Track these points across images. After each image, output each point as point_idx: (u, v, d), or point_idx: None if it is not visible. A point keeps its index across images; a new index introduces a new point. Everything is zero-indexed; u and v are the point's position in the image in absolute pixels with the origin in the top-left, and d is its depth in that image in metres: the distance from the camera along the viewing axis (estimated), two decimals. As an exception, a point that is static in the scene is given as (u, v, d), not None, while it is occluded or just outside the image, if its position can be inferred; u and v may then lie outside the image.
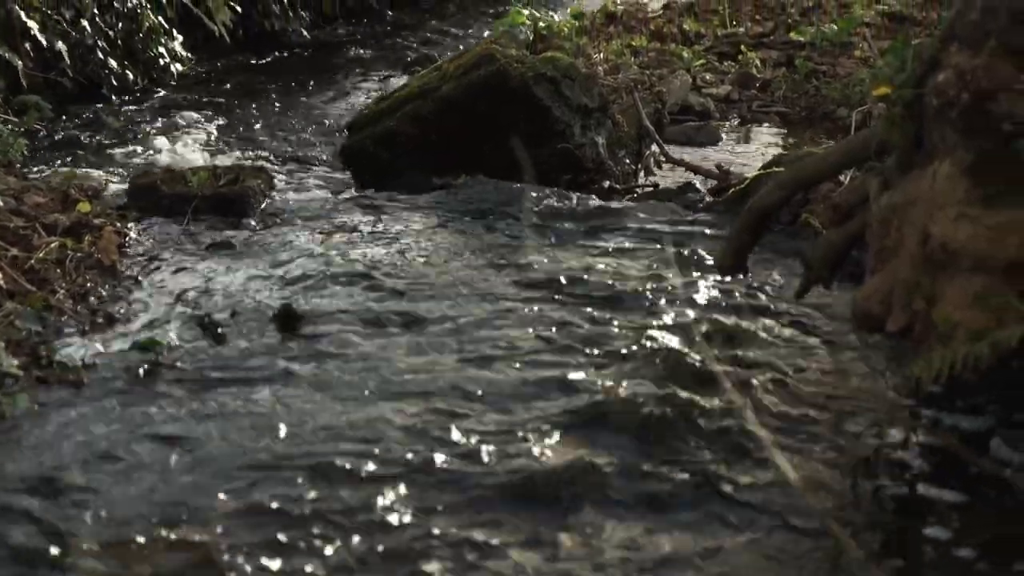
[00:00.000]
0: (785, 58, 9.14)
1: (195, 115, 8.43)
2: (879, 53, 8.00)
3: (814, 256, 4.25)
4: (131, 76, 9.03)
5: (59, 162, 7.20)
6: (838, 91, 8.13)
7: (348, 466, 3.45)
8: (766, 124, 8.13)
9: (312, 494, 3.31)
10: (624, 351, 4.19)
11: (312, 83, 9.57)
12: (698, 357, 4.10)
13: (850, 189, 4.32)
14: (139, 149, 7.58)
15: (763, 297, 4.75)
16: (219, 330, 4.46)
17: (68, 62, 8.47)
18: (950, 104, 3.39)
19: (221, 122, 8.28)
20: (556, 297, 4.75)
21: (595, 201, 6.07)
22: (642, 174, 6.96)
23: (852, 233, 4.14)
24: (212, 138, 7.88)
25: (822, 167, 4.51)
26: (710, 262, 5.04)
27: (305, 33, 11.18)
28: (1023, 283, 3.25)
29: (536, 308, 4.64)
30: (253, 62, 10.32)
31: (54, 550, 3.08)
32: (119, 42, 8.98)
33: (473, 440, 3.59)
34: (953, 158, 3.44)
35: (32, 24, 8.13)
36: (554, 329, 4.42)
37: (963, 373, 3.18)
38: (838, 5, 10.62)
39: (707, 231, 5.61)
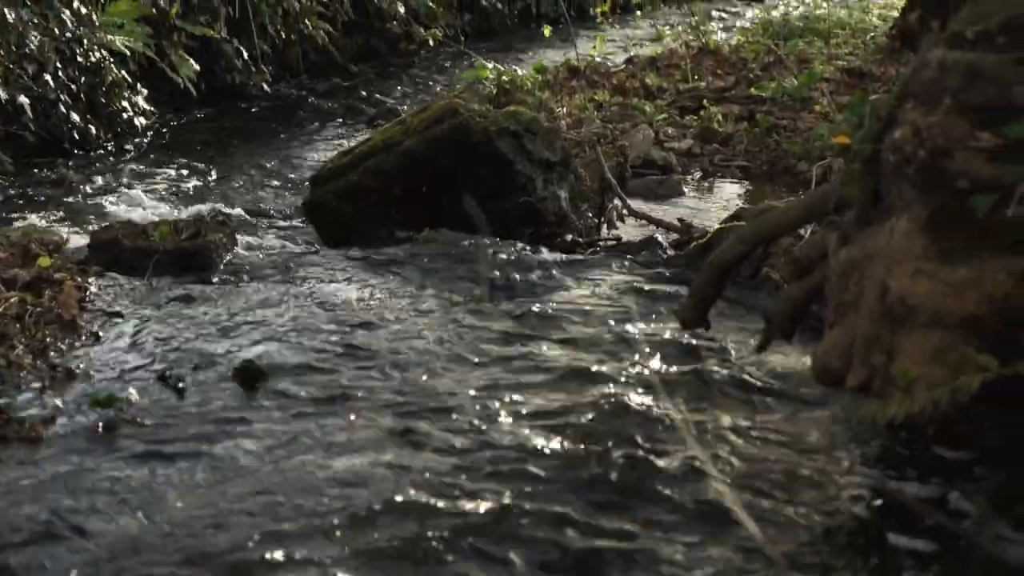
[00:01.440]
0: (746, 113, 9.20)
1: (158, 169, 8.43)
2: (837, 109, 8.07)
3: (775, 310, 4.27)
4: (94, 130, 9.02)
5: (20, 216, 7.17)
6: (799, 145, 8.20)
7: (307, 523, 3.43)
8: (728, 178, 8.18)
9: (272, 554, 3.29)
10: (585, 405, 4.19)
11: (275, 137, 9.58)
12: (659, 410, 4.11)
13: (810, 243, 4.36)
14: (101, 203, 7.56)
15: (725, 351, 4.77)
16: (179, 386, 4.44)
17: (30, 116, 8.46)
18: (907, 161, 3.42)
19: (184, 176, 8.27)
20: (517, 352, 4.75)
21: (557, 255, 6.09)
22: (605, 228, 6.98)
23: (812, 287, 4.17)
24: (174, 192, 7.87)
25: (782, 222, 4.54)
26: (672, 316, 5.05)
27: (267, 87, 11.20)
28: (980, 339, 3.28)
29: (497, 363, 4.64)
30: (216, 116, 10.33)
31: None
32: (82, 96, 8.97)
33: (427, 497, 3.58)
34: (911, 214, 3.47)
35: (-6, 78, 8.13)
36: (515, 383, 4.42)
37: (919, 422, 3.19)
38: (798, 61, 10.72)
39: (669, 285, 5.62)
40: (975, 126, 3.39)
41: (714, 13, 15.60)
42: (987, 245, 3.34)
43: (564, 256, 6.11)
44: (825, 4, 13.90)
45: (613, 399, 4.24)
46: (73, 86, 8.87)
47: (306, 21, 11.79)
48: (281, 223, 7.11)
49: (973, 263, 3.33)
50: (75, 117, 8.84)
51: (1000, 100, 3.39)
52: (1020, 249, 3.29)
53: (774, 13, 14.17)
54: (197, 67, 10.28)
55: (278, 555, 3.27)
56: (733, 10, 16.84)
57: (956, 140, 3.38)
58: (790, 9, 15.00)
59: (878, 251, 3.57)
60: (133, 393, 4.35)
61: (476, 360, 4.67)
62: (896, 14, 11.75)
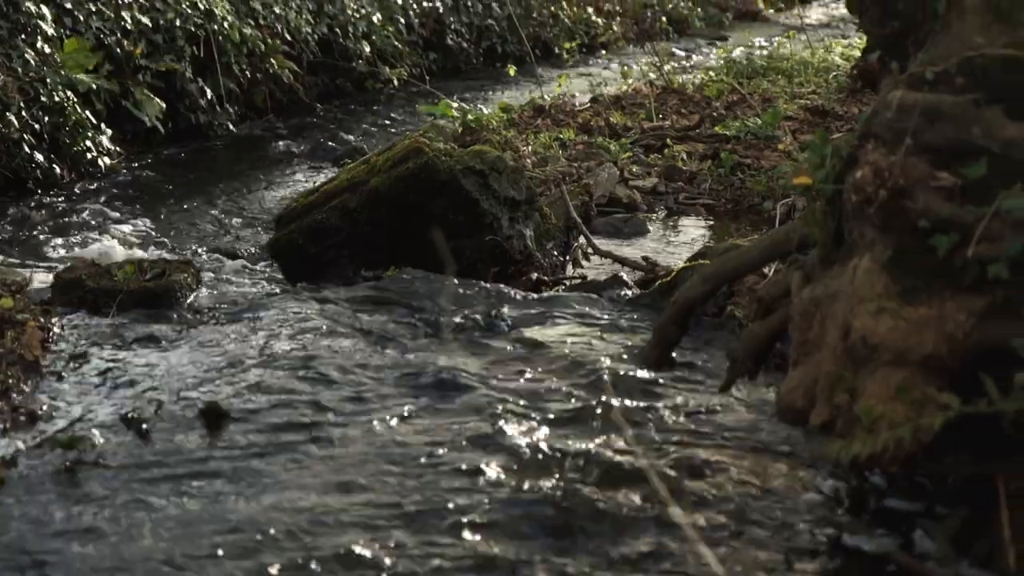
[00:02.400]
0: (711, 151, 9.25)
1: (122, 209, 8.41)
2: (800, 147, 8.12)
3: (739, 349, 4.30)
4: (58, 170, 8.98)
5: (-17, 257, 7.14)
6: (762, 184, 8.24)
7: (272, 564, 3.42)
8: (692, 216, 8.21)
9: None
10: (548, 444, 4.19)
11: (240, 176, 9.57)
12: (622, 449, 4.11)
13: (773, 282, 4.38)
14: (65, 243, 7.53)
15: (689, 389, 4.78)
16: (143, 427, 4.42)
17: (-7, 155, 8.43)
18: (868, 201, 3.45)
19: (148, 216, 8.25)
20: (482, 392, 4.75)
21: (523, 293, 6.10)
22: (570, 266, 7.00)
23: (776, 326, 4.19)
24: (139, 232, 7.85)
25: (745, 261, 4.57)
26: (637, 354, 5.07)
27: (232, 126, 11.20)
28: (942, 376, 3.30)
29: (462, 403, 4.64)
30: (181, 156, 10.31)
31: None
32: (45, 136, 8.94)
33: (393, 537, 3.57)
34: (872, 253, 3.50)
35: (-43, 118, 8.10)
36: (479, 423, 4.42)
37: (882, 462, 3.21)
38: (762, 99, 10.79)
39: (634, 323, 5.64)
40: (935, 166, 3.43)
41: (678, 52, 15.70)
42: (948, 284, 3.37)
43: (530, 295, 6.12)
44: (788, 43, 14.00)
45: (576, 438, 4.24)
46: (37, 126, 8.84)
47: (272, 60, 11.80)
48: (246, 262, 7.09)
49: (934, 302, 3.36)
50: (39, 157, 8.81)
51: (959, 140, 3.43)
52: (980, 288, 3.32)
53: (738, 52, 14.26)
54: (161, 107, 10.26)
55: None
56: (697, 49, 16.95)
57: (916, 180, 3.41)
58: (754, 48, 15.12)
59: (840, 290, 3.59)
60: (96, 434, 4.33)
61: (441, 400, 4.67)
62: (858, 54, 11.87)
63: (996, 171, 3.38)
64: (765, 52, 14.06)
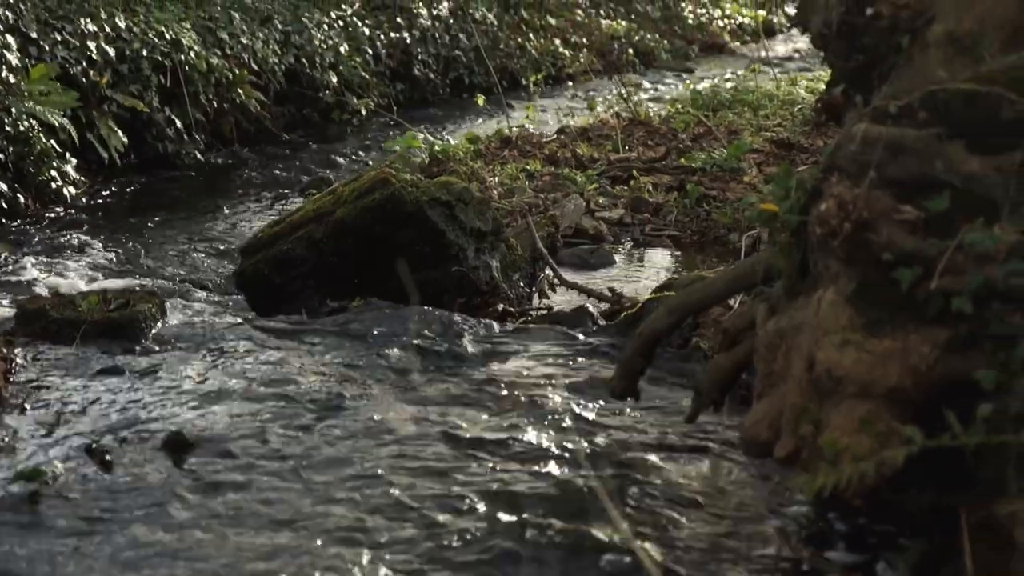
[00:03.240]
0: (677, 183, 9.29)
1: (87, 239, 8.37)
2: (765, 180, 8.16)
3: (704, 380, 4.30)
4: (22, 200, 8.94)
5: (-55, 287, 7.09)
6: (728, 216, 8.28)
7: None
8: (658, 247, 8.24)
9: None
10: (513, 476, 4.19)
11: (206, 206, 9.55)
12: (585, 481, 4.11)
13: (738, 314, 4.39)
14: (28, 274, 7.49)
15: (654, 421, 4.78)
16: (107, 458, 4.39)
17: (-43, 185, 8.40)
18: (832, 233, 3.46)
19: (113, 246, 8.22)
20: (445, 423, 4.74)
21: (489, 324, 6.10)
22: (536, 297, 7.00)
23: (741, 358, 4.19)
24: (104, 262, 7.81)
25: (711, 292, 4.58)
26: (602, 386, 5.06)
27: (199, 156, 11.18)
28: (905, 409, 3.31)
29: (423, 433, 4.62)
30: (147, 185, 10.29)
31: None
32: (10, 165, 8.91)
33: (352, 569, 3.56)
34: (837, 286, 3.51)
35: (-79, 146, 8.06)
36: (441, 454, 4.41)
37: (847, 495, 3.21)
38: (727, 132, 10.85)
39: (600, 354, 5.64)
40: (899, 200, 3.44)
41: (645, 84, 15.77)
42: (912, 317, 3.38)
43: (496, 326, 6.12)
44: (754, 76, 14.08)
45: (540, 470, 4.23)
46: (1, 155, 8.81)
47: (239, 90, 11.80)
48: (211, 293, 7.07)
49: (898, 335, 3.37)
50: (3, 186, 8.78)
51: (922, 174, 3.45)
52: (944, 321, 3.34)
53: (704, 84, 14.34)
54: (125, 139, 10.23)
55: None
56: (664, 81, 17.03)
57: (880, 213, 3.42)
58: (719, 81, 15.20)
59: (805, 322, 3.60)
60: (59, 466, 4.30)
61: (402, 431, 4.65)
62: (822, 87, 11.95)
63: (959, 205, 3.40)
64: (731, 85, 14.13)
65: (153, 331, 6.03)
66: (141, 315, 6.04)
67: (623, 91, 12.64)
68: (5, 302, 6.66)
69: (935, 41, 3.89)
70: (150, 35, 10.84)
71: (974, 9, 3.88)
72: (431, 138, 10.59)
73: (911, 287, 3.35)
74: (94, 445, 4.48)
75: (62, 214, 9.12)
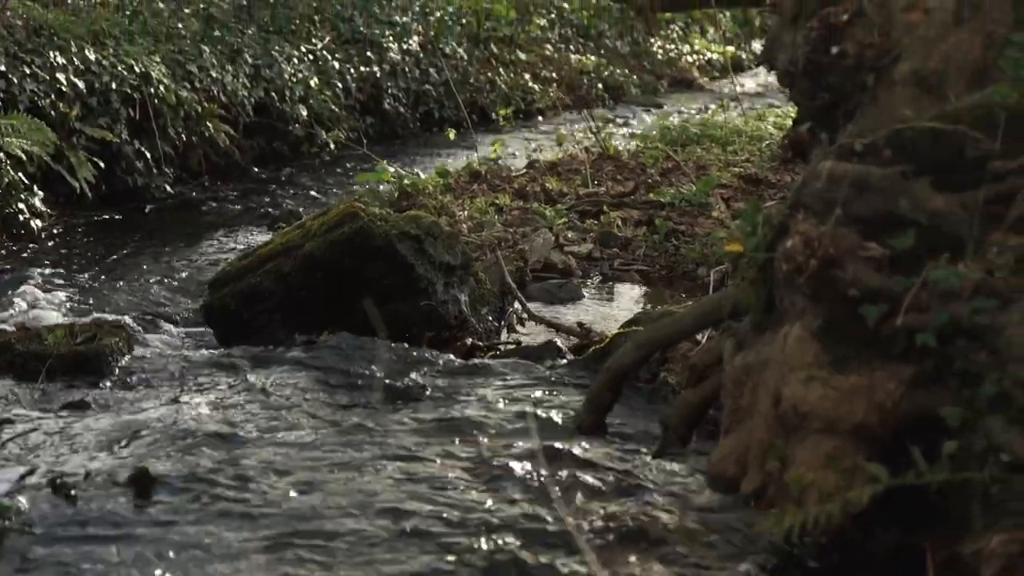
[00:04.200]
0: (646, 217, 9.31)
1: (54, 272, 8.33)
2: (733, 216, 8.20)
3: (672, 416, 4.31)
4: (-12, 232, 8.91)
5: (-89, 319, 7.04)
6: (696, 251, 8.30)
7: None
8: (627, 282, 8.24)
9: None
10: (480, 513, 4.18)
11: (175, 239, 9.53)
12: (554, 518, 4.10)
13: (706, 349, 4.40)
14: (-6, 306, 7.45)
15: (622, 456, 4.78)
16: (71, 493, 4.36)
17: (-77, 217, 8.35)
18: (799, 270, 3.48)
19: (81, 279, 8.18)
20: (412, 460, 4.73)
21: (457, 359, 6.09)
22: (505, 331, 7.01)
23: (708, 393, 4.21)
24: (71, 296, 7.77)
25: (678, 328, 4.60)
26: (570, 421, 5.06)
27: (169, 189, 11.15)
28: (871, 446, 3.33)
29: (389, 471, 4.61)
30: (115, 218, 10.25)
31: None
32: (-24, 197, 8.88)
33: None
34: (803, 322, 3.53)
35: None
36: (408, 492, 4.40)
37: (813, 533, 3.22)
38: (696, 167, 10.88)
39: (567, 389, 5.65)
40: (864, 237, 3.47)
41: (614, 119, 15.82)
42: (878, 354, 3.40)
43: (464, 360, 6.12)
44: (722, 112, 14.15)
45: (508, 505, 4.23)
46: (-32, 188, 8.78)
47: (208, 123, 11.79)
48: (179, 326, 7.04)
49: (864, 371, 3.39)
50: (-31, 219, 8.75)
51: (888, 212, 3.48)
52: (909, 358, 3.36)
53: (673, 119, 14.40)
54: (96, 169, 10.20)
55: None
56: (632, 116, 17.09)
57: (846, 250, 3.45)
58: (688, 116, 15.27)
59: (772, 358, 3.62)
60: (23, 501, 4.27)
61: (372, 467, 4.64)
62: (790, 123, 12.01)
63: (924, 242, 3.43)
64: (700, 120, 14.20)
65: (120, 365, 6.01)
66: (108, 349, 6.01)
67: (592, 126, 12.69)
68: (-29, 335, 6.61)
69: (900, 80, 3.93)
70: (119, 68, 10.82)
71: (939, 49, 3.93)
72: (401, 172, 10.59)
73: (877, 324, 3.38)
74: (59, 480, 4.44)
75: (29, 247, 9.07)
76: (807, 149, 4.34)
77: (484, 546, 3.91)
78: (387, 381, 5.67)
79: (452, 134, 12.99)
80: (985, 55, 3.90)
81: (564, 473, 4.57)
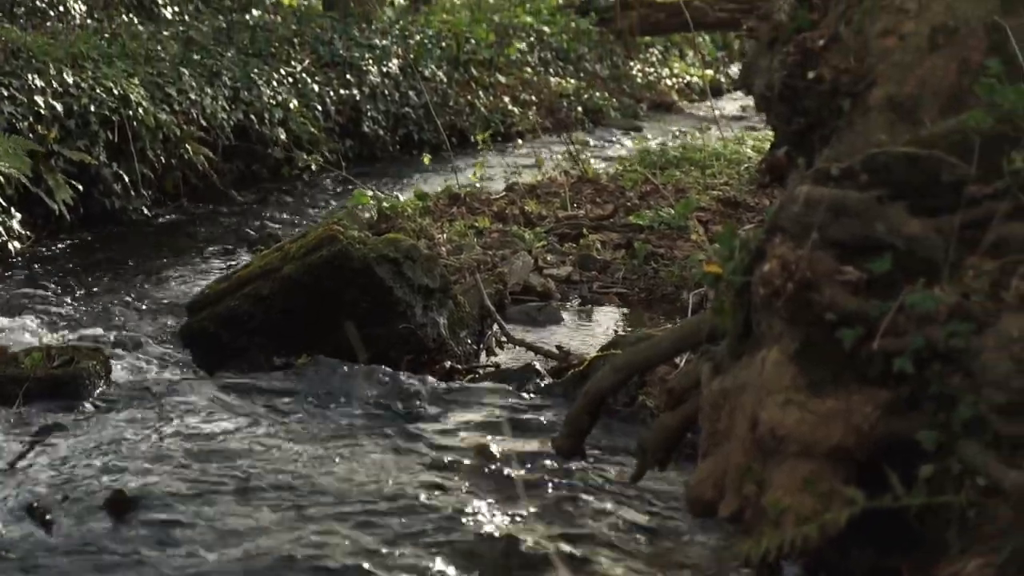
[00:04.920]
0: (625, 240, 9.32)
1: (31, 294, 8.30)
2: (711, 239, 8.21)
3: (649, 439, 4.31)
4: (-35, 254, 8.88)
5: None
6: (675, 274, 8.31)
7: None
8: (606, 305, 8.25)
9: None
10: (458, 537, 4.17)
11: (153, 262, 9.51)
12: (532, 542, 4.10)
13: (684, 373, 4.41)
14: (-30, 329, 7.42)
15: (600, 480, 4.78)
16: (48, 517, 4.35)
17: (-100, 239, 8.32)
18: (776, 294, 3.49)
19: (58, 302, 8.16)
20: (388, 484, 4.72)
21: (436, 382, 6.09)
22: (484, 354, 7.01)
23: (686, 417, 4.21)
24: (48, 318, 7.75)
25: (656, 351, 4.60)
26: (548, 444, 5.06)
27: (147, 211, 11.13)
28: (848, 469, 3.33)
29: (365, 494, 4.60)
30: (93, 241, 10.23)
31: None
32: (-47, 220, 8.85)
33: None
34: (780, 345, 3.53)
35: None
36: (385, 517, 4.39)
37: (791, 556, 3.23)
38: (675, 190, 10.91)
39: (546, 412, 5.65)
40: (841, 260, 3.48)
41: (593, 142, 15.85)
42: (854, 377, 3.40)
43: (442, 383, 6.11)
44: (700, 135, 14.20)
45: (486, 528, 4.22)
46: (-55, 210, 8.75)
47: (186, 146, 11.78)
48: (157, 350, 7.02)
49: (841, 395, 3.39)
50: (-54, 240, 8.72)
51: (864, 236, 3.49)
52: (886, 382, 3.37)
53: (652, 143, 14.43)
54: (74, 192, 10.18)
55: None
56: (612, 139, 17.14)
57: (823, 274, 3.45)
58: (667, 139, 15.31)
59: (749, 382, 3.62)
60: (0, 525, 4.26)
61: (346, 490, 4.63)
62: (769, 146, 12.03)
63: (900, 266, 3.44)
64: (678, 143, 14.23)
65: (97, 388, 5.99)
66: (85, 372, 5.99)
67: (572, 149, 12.71)
68: (-53, 358, 6.58)
69: (876, 105, 3.95)
70: (98, 91, 10.82)
71: (914, 74, 3.95)
72: (380, 194, 10.59)
73: (853, 347, 3.38)
74: (35, 504, 4.43)
75: (6, 269, 9.04)
76: (784, 173, 4.35)
77: (458, 570, 3.91)
78: (365, 404, 5.66)
79: (427, 159, 13.01)
80: (960, 81, 3.92)
81: (542, 497, 4.57)
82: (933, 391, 3.31)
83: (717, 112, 16.50)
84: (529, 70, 18.92)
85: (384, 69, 15.35)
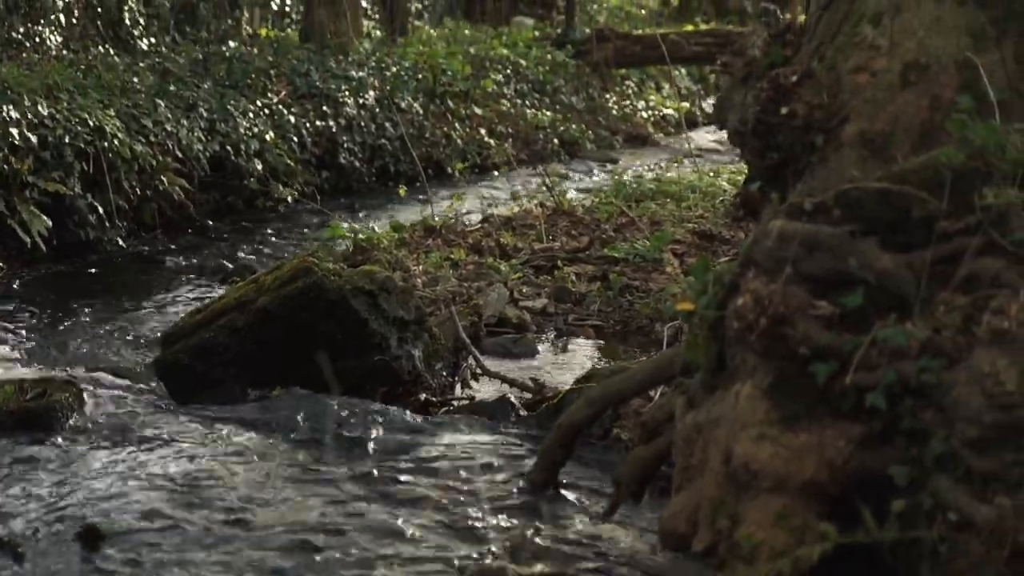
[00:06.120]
0: (600, 273, 9.33)
1: (4, 326, 8.26)
2: (685, 272, 8.23)
3: (623, 473, 4.32)
4: (-63, 285, 8.83)
5: None
6: (650, 306, 8.32)
7: None
8: (582, 337, 8.25)
9: None
10: (428, 567, 4.16)
11: (128, 293, 9.48)
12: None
13: (658, 406, 4.42)
14: (-58, 361, 7.39)
15: (574, 513, 4.78)
16: (19, 550, 4.32)
17: None
18: (749, 328, 3.50)
19: (31, 334, 8.12)
20: (362, 516, 4.71)
21: (410, 414, 6.08)
22: (459, 387, 7.00)
23: (660, 450, 4.22)
24: (21, 350, 7.71)
25: (630, 384, 4.62)
26: (523, 477, 5.06)
27: (122, 243, 11.10)
28: (821, 503, 3.34)
29: (342, 530, 4.59)
30: (68, 272, 10.19)
31: None
32: (-75, 251, 8.81)
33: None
34: (754, 380, 3.55)
35: None
36: (359, 551, 4.38)
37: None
38: (650, 222, 10.93)
39: (521, 445, 5.64)
40: (814, 295, 3.50)
41: (569, 174, 15.88)
42: (827, 411, 3.42)
43: (417, 416, 6.11)
44: (676, 167, 14.23)
45: (459, 563, 4.21)
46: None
47: (162, 177, 11.75)
48: (131, 382, 6.98)
49: (814, 429, 3.41)
50: (-82, 272, 8.68)
51: (837, 270, 3.51)
52: (859, 416, 3.38)
53: (627, 175, 14.46)
54: (49, 222, 10.15)
55: None
56: (588, 171, 17.16)
57: (796, 308, 3.47)
58: (643, 171, 15.34)
59: (723, 416, 3.63)
60: (-31, 559, 4.24)
61: (319, 524, 4.62)
62: (743, 180, 12.07)
63: (872, 301, 3.46)
64: (654, 175, 14.26)
65: (70, 421, 5.95)
66: (58, 405, 5.96)
67: (547, 181, 12.73)
68: (-81, 390, 6.54)
69: (848, 141, 3.98)
70: (73, 122, 10.80)
71: (886, 110, 3.98)
72: (356, 226, 10.58)
73: (826, 382, 3.40)
74: (6, 537, 4.41)
75: (-20, 300, 9.01)
76: (758, 207, 4.37)
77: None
78: (339, 437, 5.65)
79: (403, 191, 13.01)
80: (931, 117, 3.96)
81: (515, 530, 4.56)
82: (905, 426, 3.33)
83: (693, 145, 16.56)
84: (505, 102, 18.95)
85: (361, 101, 15.35)
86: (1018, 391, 3.13)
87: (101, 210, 10.93)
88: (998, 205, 3.44)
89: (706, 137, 20.35)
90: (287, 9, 21.39)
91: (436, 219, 11.36)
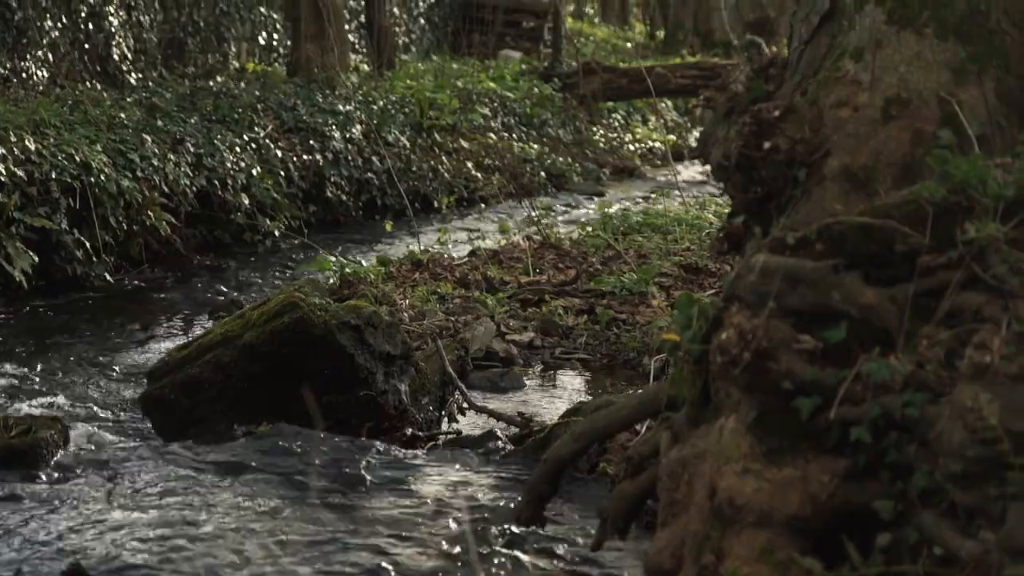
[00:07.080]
0: (587, 306, 9.35)
1: (-11, 362, 8.25)
2: (671, 305, 8.23)
3: (609, 507, 4.30)
4: (-76, 321, 8.81)
5: None
6: (637, 340, 8.33)
7: None
8: (569, 371, 8.27)
9: None
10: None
11: (114, 328, 9.46)
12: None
13: (643, 441, 4.41)
14: (-72, 397, 7.36)
15: (560, 548, 4.77)
16: (3, 590, 4.31)
17: None
18: (733, 362, 3.50)
19: (16, 370, 8.10)
20: (346, 553, 4.70)
21: (396, 450, 6.08)
22: (445, 421, 6.99)
23: (646, 485, 4.21)
24: (6, 387, 7.69)
25: (616, 419, 4.60)
26: (509, 512, 5.05)
27: (108, 278, 11.08)
28: (806, 538, 3.34)
29: (328, 566, 4.58)
30: (54, 307, 10.18)
31: None
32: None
33: None
34: (738, 414, 3.55)
35: None
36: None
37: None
38: (637, 255, 10.95)
39: (507, 480, 5.64)
40: (797, 329, 3.50)
41: (556, 207, 15.91)
42: (811, 445, 3.42)
43: (403, 450, 6.10)
44: (663, 200, 14.25)
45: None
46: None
47: (149, 212, 11.75)
48: (117, 418, 6.97)
49: (798, 463, 3.40)
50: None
51: (820, 304, 3.51)
52: (843, 450, 3.38)
53: (614, 208, 14.49)
54: (35, 258, 10.13)
55: None
56: (575, 204, 17.19)
57: (779, 343, 3.47)
58: (630, 204, 15.37)
59: (708, 450, 3.63)
60: (-48, 599, 4.22)
61: (309, 561, 4.61)
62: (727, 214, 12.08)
63: (856, 335, 3.46)
64: (641, 208, 14.29)
65: (55, 458, 5.94)
66: (43, 442, 5.94)
67: (534, 214, 12.75)
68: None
69: (831, 175, 3.99)
70: (60, 157, 10.80)
71: (868, 145, 3.99)
72: (343, 260, 10.58)
73: (810, 416, 3.40)
74: (-10, 576, 4.39)
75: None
76: (741, 242, 4.38)
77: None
78: (325, 473, 5.64)
79: (389, 225, 13.03)
80: (913, 151, 3.97)
81: (501, 566, 4.55)
82: (890, 460, 3.32)
83: (680, 177, 16.60)
84: (492, 135, 18.98)
85: (348, 135, 15.37)
86: (1000, 426, 3.13)
87: (88, 245, 10.91)
88: (980, 239, 3.45)
89: (693, 169, 20.40)
90: (274, 43, 21.43)
91: (423, 253, 11.37)
